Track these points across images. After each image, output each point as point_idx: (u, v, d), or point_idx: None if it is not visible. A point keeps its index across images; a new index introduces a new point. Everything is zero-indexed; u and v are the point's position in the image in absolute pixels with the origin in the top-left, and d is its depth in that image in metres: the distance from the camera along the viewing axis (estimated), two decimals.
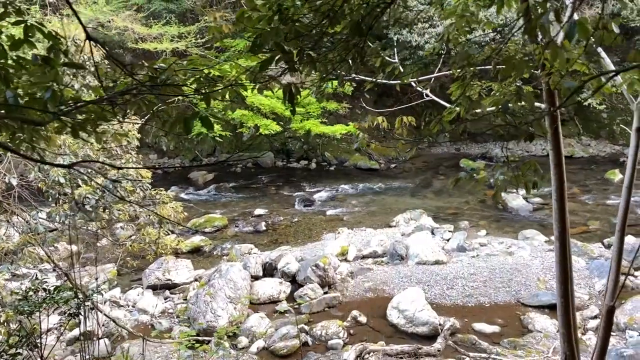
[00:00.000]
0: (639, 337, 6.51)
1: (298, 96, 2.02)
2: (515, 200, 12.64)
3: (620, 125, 18.77)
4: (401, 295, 7.52)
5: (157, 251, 7.60)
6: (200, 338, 6.37)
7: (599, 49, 2.58)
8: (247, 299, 7.76)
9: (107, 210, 5.49)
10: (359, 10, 1.82)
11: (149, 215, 6.49)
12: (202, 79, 1.86)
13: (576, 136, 19.17)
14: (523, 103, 2.64)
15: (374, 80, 3.69)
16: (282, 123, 14.77)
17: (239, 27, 1.87)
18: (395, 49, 4.18)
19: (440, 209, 12.98)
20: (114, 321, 6.02)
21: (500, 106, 2.40)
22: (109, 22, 14.35)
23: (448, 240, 10.30)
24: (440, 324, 6.99)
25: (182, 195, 14.72)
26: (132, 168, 5.75)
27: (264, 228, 11.79)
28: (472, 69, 2.35)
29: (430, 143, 20.20)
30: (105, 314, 5.82)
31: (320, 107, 15.26)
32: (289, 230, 11.72)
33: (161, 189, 7.16)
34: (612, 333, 6.87)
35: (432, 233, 10.70)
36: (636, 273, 8.47)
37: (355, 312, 7.46)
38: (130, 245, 7.18)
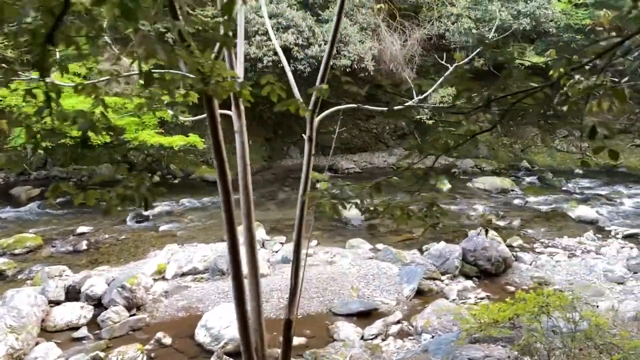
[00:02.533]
0: (431, 339, 6.80)
1: None
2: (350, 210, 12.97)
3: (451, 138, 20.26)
4: (211, 313, 7.21)
5: None
6: None
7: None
8: (37, 327, 6.96)
9: None
10: None
11: None
12: None
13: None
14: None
15: None
16: (112, 134, 13.82)
17: None
18: None
19: (279, 221, 12.92)
20: None
21: None
22: None
23: (277, 252, 10.23)
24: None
25: None
26: None
27: (85, 247, 10.83)
28: None
29: (281, 156, 20.37)
30: None
31: (158, 117, 14.54)
32: (113, 249, 10.89)
33: None
34: (410, 337, 7.15)
35: (263, 245, 10.58)
36: (442, 277, 9.00)
37: (160, 334, 6.99)
38: None
